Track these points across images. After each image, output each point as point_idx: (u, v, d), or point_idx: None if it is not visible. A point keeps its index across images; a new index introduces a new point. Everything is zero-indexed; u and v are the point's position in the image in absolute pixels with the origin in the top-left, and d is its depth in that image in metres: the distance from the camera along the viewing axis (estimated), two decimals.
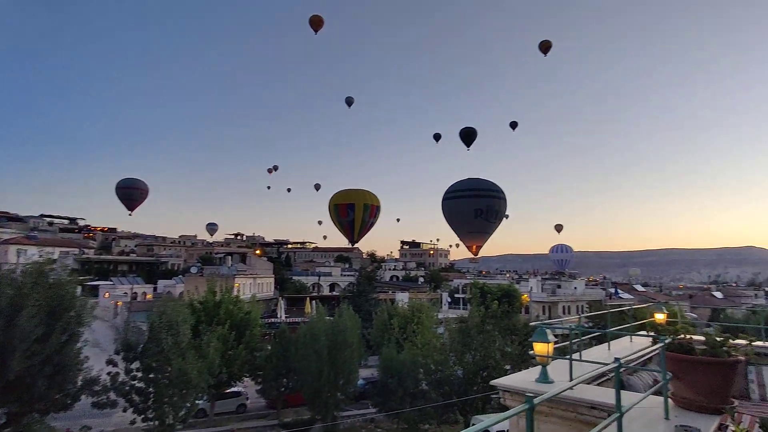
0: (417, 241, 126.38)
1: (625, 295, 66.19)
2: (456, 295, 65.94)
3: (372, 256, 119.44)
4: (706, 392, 2.34)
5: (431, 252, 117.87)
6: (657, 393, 2.86)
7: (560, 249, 73.21)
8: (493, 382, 3.04)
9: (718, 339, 2.43)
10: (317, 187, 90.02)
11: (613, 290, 67.99)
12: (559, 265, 76.02)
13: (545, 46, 41.34)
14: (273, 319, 43.23)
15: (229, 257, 55.61)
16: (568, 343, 4.34)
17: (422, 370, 19.71)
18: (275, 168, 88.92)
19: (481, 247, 36.50)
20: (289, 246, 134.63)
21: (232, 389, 25.02)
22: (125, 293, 51.96)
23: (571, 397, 2.79)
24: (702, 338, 5.82)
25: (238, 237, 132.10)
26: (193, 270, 48.50)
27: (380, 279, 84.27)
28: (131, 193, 45.28)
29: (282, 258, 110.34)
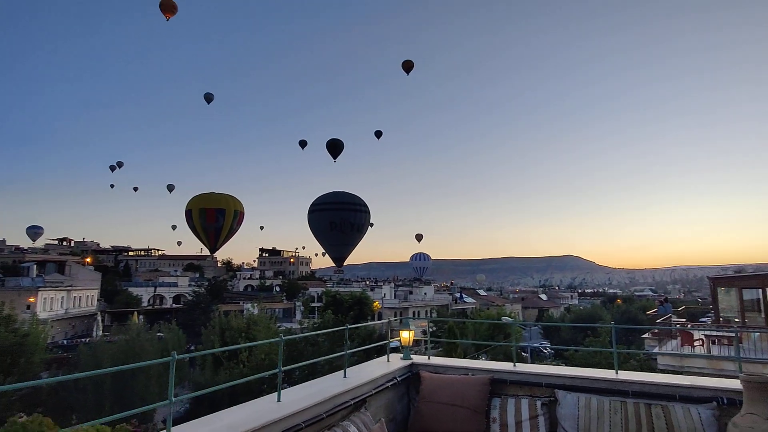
0: (278, 248, 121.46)
1: (469, 299, 71.33)
2: (312, 304, 64.07)
3: (228, 264, 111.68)
4: None
5: (291, 260, 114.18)
6: None
7: (420, 257, 76.40)
8: None
9: None
10: (170, 188, 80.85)
11: (458, 295, 72.70)
12: (418, 272, 79.21)
13: (408, 66, 42.21)
14: (86, 339, 36.44)
15: (34, 266, 46.02)
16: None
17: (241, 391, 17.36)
18: (119, 165, 77.97)
19: (342, 258, 36.54)
20: (131, 253, 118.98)
21: None
22: None
23: None
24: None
25: (64, 243, 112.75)
26: None
27: (232, 289, 78.49)
28: None
29: (120, 267, 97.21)
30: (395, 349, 4.62)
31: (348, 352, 3.39)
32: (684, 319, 19.58)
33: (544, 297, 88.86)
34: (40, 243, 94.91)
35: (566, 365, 25.51)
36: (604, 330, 29.53)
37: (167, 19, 34.74)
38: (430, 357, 4.53)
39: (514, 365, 4.01)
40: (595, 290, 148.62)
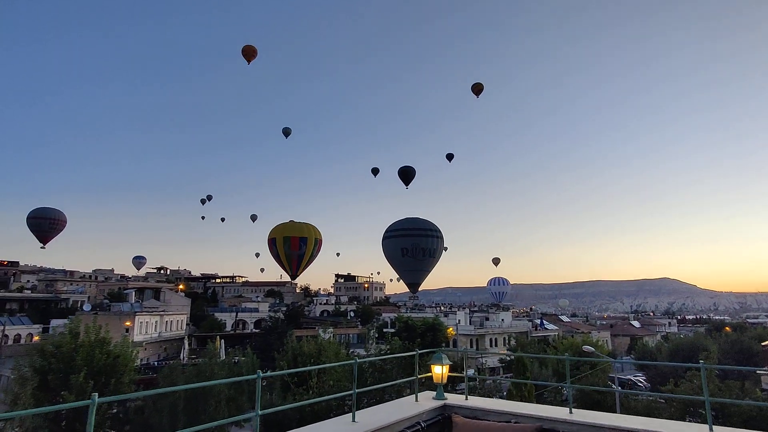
0: (353, 274, 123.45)
1: (551, 326, 66.90)
2: (385, 330, 63.80)
3: (306, 290, 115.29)
4: None
5: (366, 285, 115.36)
6: None
7: (497, 282, 73.81)
8: None
9: None
10: (254, 218, 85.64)
11: (538, 321, 68.58)
12: (496, 297, 76.33)
13: (477, 89, 41.50)
14: (173, 361, 38.92)
15: (133, 293, 50.30)
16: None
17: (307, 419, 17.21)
18: (209, 198, 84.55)
19: (417, 284, 36.00)
20: (218, 280, 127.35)
21: None
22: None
23: None
24: None
25: (161, 271, 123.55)
26: (86, 308, 43.08)
27: (309, 314, 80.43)
28: (44, 224, 41.86)
29: (208, 293, 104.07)
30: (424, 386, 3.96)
31: (357, 391, 2.81)
32: None
33: (636, 324, 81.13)
34: (142, 272, 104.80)
35: (665, 402, 22.54)
36: (710, 362, 25.81)
37: (248, 63, 37.49)
38: (468, 397, 3.70)
39: (570, 411, 3.11)
40: (698, 316, 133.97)
